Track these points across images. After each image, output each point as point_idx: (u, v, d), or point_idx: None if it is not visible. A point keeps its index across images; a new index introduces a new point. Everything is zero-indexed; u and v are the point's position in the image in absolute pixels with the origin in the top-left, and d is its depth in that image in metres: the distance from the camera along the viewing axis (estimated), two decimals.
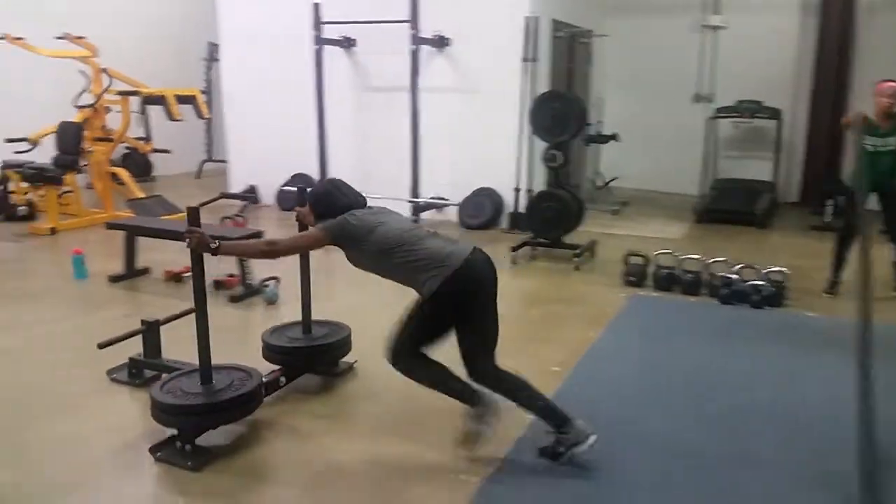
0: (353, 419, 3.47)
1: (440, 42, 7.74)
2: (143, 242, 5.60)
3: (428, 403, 3.27)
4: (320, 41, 7.98)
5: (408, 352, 3.01)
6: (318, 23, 7.89)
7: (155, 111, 8.14)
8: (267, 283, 5.19)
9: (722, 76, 9.26)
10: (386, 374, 3.12)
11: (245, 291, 5.15)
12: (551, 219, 6.27)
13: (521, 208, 7.57)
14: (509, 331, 4.82)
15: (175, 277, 5.50)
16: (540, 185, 7.75)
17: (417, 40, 7.50)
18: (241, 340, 4.46)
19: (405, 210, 8.01)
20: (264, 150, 9.07)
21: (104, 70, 7.67)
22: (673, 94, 9.68)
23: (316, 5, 7.85)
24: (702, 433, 3.29)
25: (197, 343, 3.01)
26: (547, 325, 4.83)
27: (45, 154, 7.65)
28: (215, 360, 3.08)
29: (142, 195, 7.75)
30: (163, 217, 7.23)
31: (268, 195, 9.03)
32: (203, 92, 8.50)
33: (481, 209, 7.87)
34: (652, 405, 3.58)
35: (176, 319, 3.79)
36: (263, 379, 3.31)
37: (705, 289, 5.35)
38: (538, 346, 4.37)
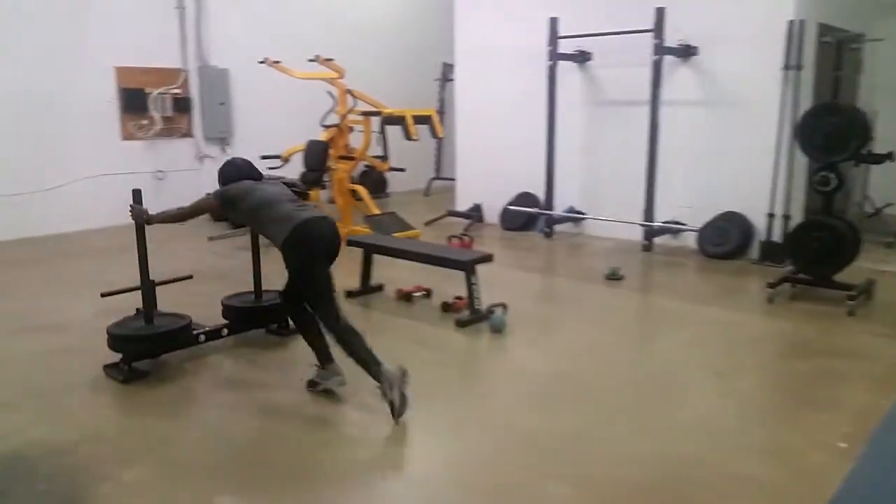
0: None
1: (685, 51, 7.10)
2: (378, 258, 5.66)
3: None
4: (555, 56, 7.72)
5: (288, 297, 3.88)
6: (554, 37, 7.64)
7: (391, 130, 8.39)
8: (494, 309, 4.96)
9: None
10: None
11: (472, 316, 4.96)
12: (820, 252, 5.36)
13: (776, 237, 6.68)
14: (772, 388, 4.16)
15: (405, 297, 5.49)
16: (797, 210, 6.82)
17: (661, 50, 6.93)
18: (459, 368, 4.27)
19: (637, 233, 7.47)
20: (491, 168, 9.01)
21: (349, 91, 8.03)
22: None
23: (553, 20, 7.61)
24: None
25: (141, 294, 4.09)
26: (820, 384, 4.03)
27: (293, 170, 8.19)
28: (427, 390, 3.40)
29: (378, 211, 7.99)
30: (396, 234, 7.38)
31: (492, 214, 8.94)
32: (438, 112, 8.63)
33: (725, 236, 7.05)
34: None
35: (171, 283, 4.59)
36: (206, 328, 4.34)
37: None
38: (813, 412, 3.63)
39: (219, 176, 4.08)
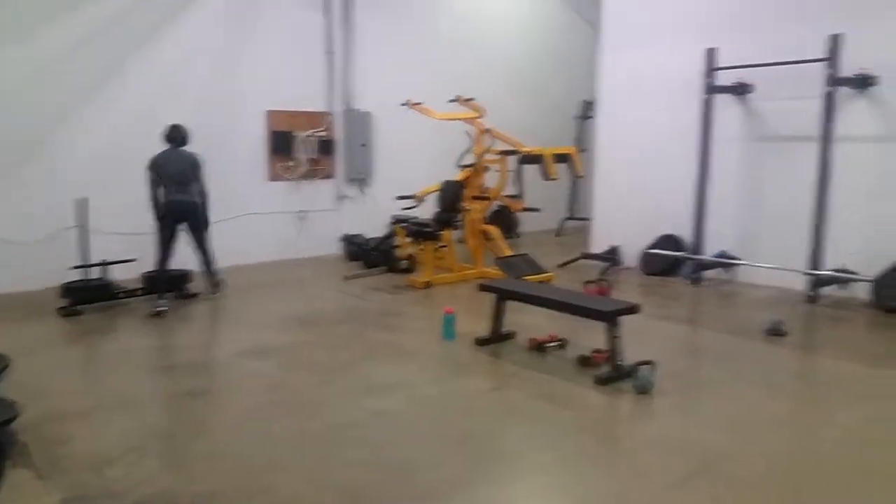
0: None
1: (863, 82, 6.36)
2: (511, 302, 5.37)
3: None
4: (711, 89, 7.19)
5: (159, 243, 6.40)
6: (710, 69, 7.12)
7: (526, 169, 8.16)
8: (639, 366, 4.50)
9: None
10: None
11: (613, 373, 4.52)
12: None
13: None
14: None
15: (539, 347, 5.14)
16: None
17: (835, 81, 6.23)
18: (600, 435, 3.84)
19: (799, 282, 6.72)
20: (631, 209, 8.53)
21: (487, 130, 7.90)
22: None
23: (710, 50, 7.10)
24: None
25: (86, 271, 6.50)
26: None
27: (429, 210, 8.14)
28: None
29: (509, 253, 7.74)
30: (527, 277, 7.08)
31: (631, 257, 8.42)
32: (580, 150, 8.33)
33: None
34: None
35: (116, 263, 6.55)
36: (126, 288, 6.65)
37: None
38: None
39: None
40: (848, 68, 6.32)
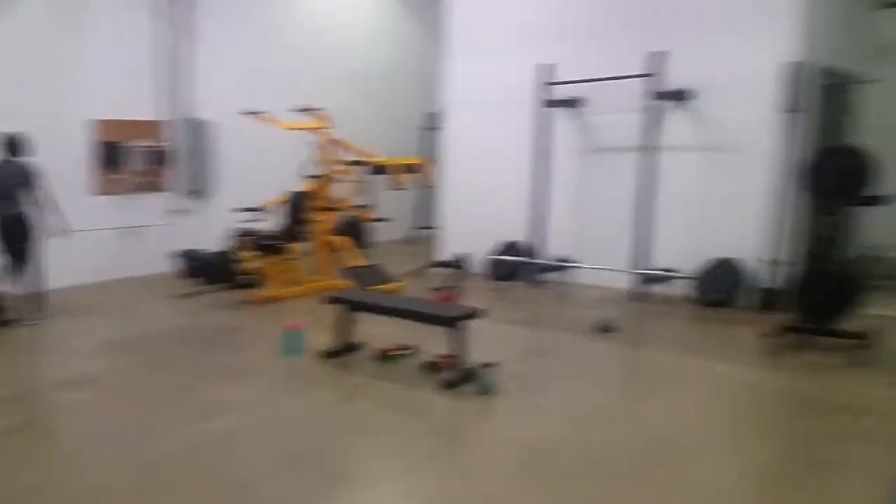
0: None
1: (681, 95, 6.94)
2: (360, 313, 5.32)
3: None
4: (545, 103, 7.55)
5: None
6: (543, 84, 7.47)
7: (376, 179, 8.16)
8: (481, 368, 4.61)
9: None
10: None
11: (457, 377, 4.60)
12: (824, 299, 5.09)
13: (773, 283, 6.44)
14: (780, 448, 3.81)
15: (386, 356, 5.13)
16: (794, 256, 6.59)
17: (657, 95, 6.75)
18: (440, 437, 3.90)
19: (630, 281, 7.19)
20: (477, 217, 8.77)
21: (335, 141, 7.81)
22: None
23: (542, 66, 7.46)
24: None
25: None
26: (830, 444, 3.71)
27: (274, 222, 7.89)
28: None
29: (358, 263, 7.69)
30: (377, 287, 7.06)
31: (478, 264, 8.66)
32: (430, 161, 8.47)
33: (722, 283, 6.78)
34: None
35: None
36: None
37: None
38: (824, 476, 3.30)
39: None
40: (674, 83, 6.87)
